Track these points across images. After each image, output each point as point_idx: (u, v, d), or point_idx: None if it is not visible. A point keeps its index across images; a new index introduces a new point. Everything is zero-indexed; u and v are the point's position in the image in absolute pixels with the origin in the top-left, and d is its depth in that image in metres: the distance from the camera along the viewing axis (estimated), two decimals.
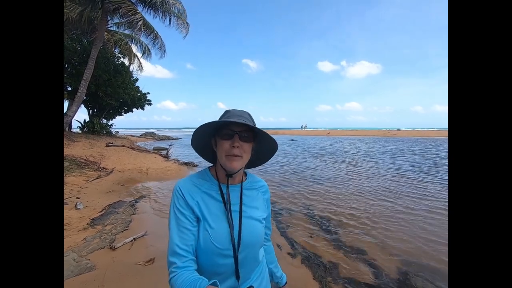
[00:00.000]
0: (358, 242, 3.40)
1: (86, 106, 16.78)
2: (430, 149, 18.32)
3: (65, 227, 3.46)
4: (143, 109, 19.76)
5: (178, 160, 10.82)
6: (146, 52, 14.77)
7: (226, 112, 0.85)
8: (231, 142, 0.78)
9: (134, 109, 19.42)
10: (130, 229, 3.53)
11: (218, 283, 0.65)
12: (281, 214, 4.53)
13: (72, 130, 14.07)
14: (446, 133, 49.47)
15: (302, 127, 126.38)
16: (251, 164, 0.94)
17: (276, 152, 0.94)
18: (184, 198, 0.78)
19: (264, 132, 0.82)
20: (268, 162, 0.99)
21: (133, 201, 4.93)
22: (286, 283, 1.07)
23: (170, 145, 14.01)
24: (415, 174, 8.40)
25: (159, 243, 3.07)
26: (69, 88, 13.51)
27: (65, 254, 2.66)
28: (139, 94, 18.54)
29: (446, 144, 23.15)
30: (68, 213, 3.98)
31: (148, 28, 12.02)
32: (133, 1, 10.67)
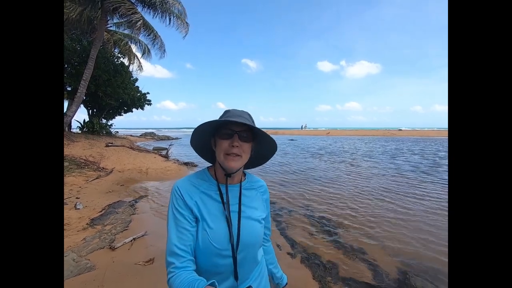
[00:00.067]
0: (357, 242, 3.40)
1: (85, 106, 16.77)
2: (429, 149, 18.34)
3: (64, 227, 3.46)
4: (142, 109, 19.75)
5: (178, 160, 10.82)
6: (146, 52, 14.75)
7: (226, 112, 0.85)
8: (230, 141, 0.78)
9: (133, 109, 19.41)
10: (129, 229, 3.53)
11: (217, 284, 0.65)
12: (281, 214, 4.53)
13: (71, 130, 14.06)
14: (446, 133, 49.52)
15: (302, 127, 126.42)
16: (251, 164, 0.94)
17: (276, 152, 0.94)
18: (182, 198, 0.78)
19: (264, 132, 0.82)
20: (267, 162, 0.99)
21: (133, 201, 4.93)
22: (286, 284, 1.06)
23: (169, 145, 14.01)
24: (415, 174, 8.40)
25: (158, 243, 3.06)
26: (69, 88, 13.50)
27: (64, 254, 2.66)
28: (138, 94, 18.53)
29: (446, 144, 23.17)
30: (68, 213, 3.98)
31: (147, 28, 12.02)
32: (133, 1, 10.66)
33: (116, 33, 14.78)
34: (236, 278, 0.79)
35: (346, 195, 5.80)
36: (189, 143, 0.91)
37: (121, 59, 16.11)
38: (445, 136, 41.85)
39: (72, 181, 5.92)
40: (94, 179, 6.38)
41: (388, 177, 7.92)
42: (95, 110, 17.26)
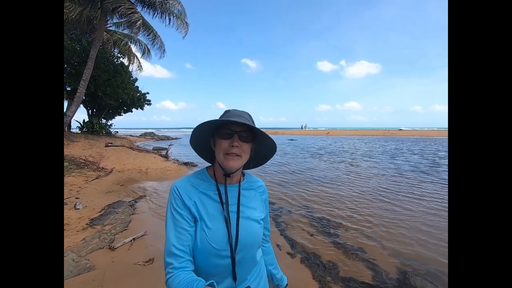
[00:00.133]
0: (357, 242, 3.40)
1: (85, 106, 16.76)
2: (429, 149, 18.35)
3: (64, 227, 3.46)
4: (142, 109, 19.75)
5: (178, 160, 10.81)
6: (145, 52, 14.74)
7: (226, 112, 0.84)
8: (230, 141, 0.78)
9: (133, 109, 19.41)
10: (129, 229, 3.52)
11: (215, 284, 0.65)
12: (281, 214, 4.53)
13: (71, 130, 14.05)
14: (446, 133, 49.55)
15: (302, 127, 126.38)
16: (250, 164, 0.94)
17: (275, 152, 0.94)
18: (181, 198, 0.77)
19: (264, 133, 0.82)
20: (267, 162, 0.99)
21: (133, 201, 4.93)
22: (286, 285, 1.06)
23: (169, 145, 14.01)
24: (414, 174, 8.41)
25: (158, 243, 3.06)
26: (68, 88, 13.49)
27: (64, 255, 2.66)
28: (138, 94, 18.52)
29: (445, 144, 23.19)
30: (67, 213, 3.98)
31: (147, 28, 12.01)
32: (132, 1, 10.66)
33: (116, 33, 14.78)
34: (234, 278, 0.79)
35: (346, 195, 5.80)
36: (189, 143, 0.91)
37: (121, 59, 16.10)
38: (444, 136, 41.89)
39: (71, 181, 5.92)
40: (94, 179, 6.37)
41: (388, 177, 7.92)
42: (94, 110, 17.25)
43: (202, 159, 0.97)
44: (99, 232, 3.37)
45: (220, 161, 0.79)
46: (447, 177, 7.71)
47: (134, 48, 15.74)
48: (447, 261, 2.78)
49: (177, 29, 11.97)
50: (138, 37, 13.93)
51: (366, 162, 11.80)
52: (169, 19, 11.56)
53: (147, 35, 12.47)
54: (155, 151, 13.20)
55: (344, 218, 4.32)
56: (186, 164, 10.16)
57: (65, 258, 2.59)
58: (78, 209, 4.24)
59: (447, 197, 5.51)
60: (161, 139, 32.91)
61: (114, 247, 2.89)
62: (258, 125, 0.81)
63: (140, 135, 36.21)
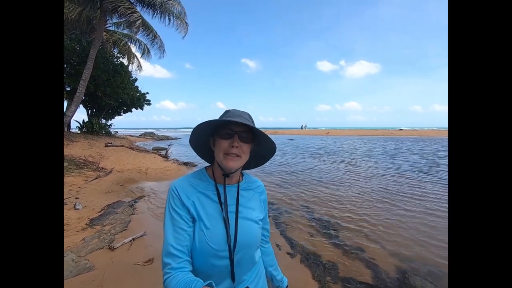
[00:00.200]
0: (357, 242, 3.41)
1: (85, 106, 16.74)
2: (428, 149, 18.36)
3: (63, 227, 3.45)
4: (142, 109, 19.74)
5: (178, 160, 10.80)
6: (145, 52, 14.73)
7: (226, 112, 0.84)
8: (230, 141, 0.77)
9: (133, 109, 19.40)
10: (129, 229, 3.52)
11: (214, 284, 0.64)
12: (280, 214, 4.53)
13: (70, 130, 14.04)
14: (445, 133, 49.57)
15: (302, 127, 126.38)
16: (249, 165, 0.93)
17: (275, 153, 0.94)
18: (180, 198, 0.77)
19: (264, 134, 0.82)
20: (266, 162, 0.98)
21: (132, 201, 4.92)
22: (287, 286, 1.05)
23: (169, 145, 14.00)
24: (414, 174, 8.41)
25: (158, 243, 3.06)
26: (68, 88, 13.48)
27: (63, 255, 2.66)
28: (138, 94, 18.51)
29: (445, 144, 23.21)
30: (67, 214, 3.97)
31: (147, 28, 12.00)
32: (132, 1, 10.65)
33: (116, 33, 14.77)
34: (233, 279, 0.79)
35: (345, 196, 5.80)
36: (188, 143, 0.90)
37: (121, 59, 16.10)
38: (444, 135, 41.92)
39: (71, 181, 5.91)
40: (94, 179, 6.37)
41: (388, 177, 7.93)
42: (94, 110, 17.23)
43: (202, 159, 0.97)
44: (98, 232, 3.36)
45: (219, 161, 0.79)
46: (446, 177, 7.71)
47: (133, 48, 15.75)
48: (446, 261, 2.78)
49: (177, 29, 11.98)
50: (138, 37, 13.93)
51: (366, 162, 11.81)
52: (169, 19, 11.56)
53: (147, 35, 12.47)
54: (155, 151, 13.19)
55: (344, 218, 4.32)
56: (185, 164, 10.15)
57: (64, 258, 2.59)
58: (78, 209, 4.24)
59: (446, 197, 5.51)
60: (161, 139, 32.90)
61: (114, 247, 2.89)
62: (257, 125, 0.81)
63: (139, 135, 36.19)
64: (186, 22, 12.07)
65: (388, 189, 6.32)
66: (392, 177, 7.98)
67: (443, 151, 16.19)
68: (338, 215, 4.47)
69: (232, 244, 0.77)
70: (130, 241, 3.08)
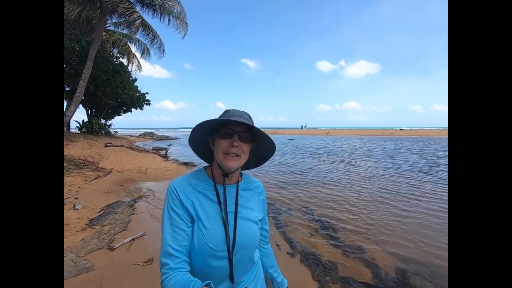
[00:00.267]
0: (356, 241, 3.41)
1: (84, 106, 16.74)
2: (428, 148, 18.37)
3: (64, 227, 3.45)
4: (141, 109, 19.74)
5: (177, 160, 10.80)
6: (145, 52, 14.72)
7: (226, 111, 0.84)
8: (230, 141, 0.77)
9: (132, 109, 19.40)
10: (128, 229, 3.52)
11: (212, 284, 0.64)
12: (280, 214, 4.53)
13: (70, 130, 14.03)
14: (445, 132, 49.61)
15: (302, 126, 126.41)
16: (249, 165, 0.93)
17: (275, 153, 0.94)
18: (178, 198, 0.77)
19: (264, 133, 0.81)
20: (266, 162, 0.98)
21: (132, 201, 4.92)
22: None
23: (169, 145, 13.99)
24: (413, 174, 8.42)
25: (158, 243, 3.05)
26: (68, 88, 13.47)
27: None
28: (137, 94, 18.51)
29: (444, 143, 23.22)
30: (67, 214, 3.97)
31: (146, 28, 11.99)
32: (131, 1, 10.64)
33: (115, 33, 14.75)
34: (231, 280, 0.78)
35: (345, 196, 5.80)
36: (188, 143, 0.90)
37: (120, 59, 16.08)
38: (443, 135, 41.95)
39: (71, 182, 5.91)
40: (93, 180, 6.36)
41: (387, 177, 7.93)
42: (94, 110, 17.22)
43: (202, 160, 0.97)
44: (98, 232, 3.36)
45: (219, 160, 0.79)
46: (446, 177, 7.72)
47: (133, 48, 15.73)
48: (446, 261, 2.78)
49: (177, 29, 11.97)
50: (137, 36, 13.90)
51: (365, 162, 11.82)
52: (169, 19, 11.55)
53: (146, 35, 12.46)
54: (155, 151, 13.18)
55: (343, 218, 4.32)
56: (185, 164, 10.15)
57: (64, 259, 2.58)
58: (77, 209, 4.23)
59: (446, 197, 5.52)
60: (161, 139, 32.90)
61: (114, 247, 2.89)
62: (257, 125, 0.81)
63: (139, 135, 36.19)
64: (185, 22, 12.06)
65: (387, 189, 6.32)
66: (392, 177, 7.99)
67: (443, 151, 16.20)
68: (338, 215, 4.47)
69: (231, 244, 0.76)
70: (130, 241, 3.08)
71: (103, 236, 3.25)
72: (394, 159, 12.42)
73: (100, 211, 4.23)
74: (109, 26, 13.68)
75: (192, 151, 0.93)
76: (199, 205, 0.78)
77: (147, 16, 11.50)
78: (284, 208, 4.88)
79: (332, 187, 6.60)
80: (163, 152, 12.47)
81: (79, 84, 10.42)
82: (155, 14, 11.33)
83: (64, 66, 12.94)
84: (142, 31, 11.99)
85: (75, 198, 4.84)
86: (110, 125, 17.50)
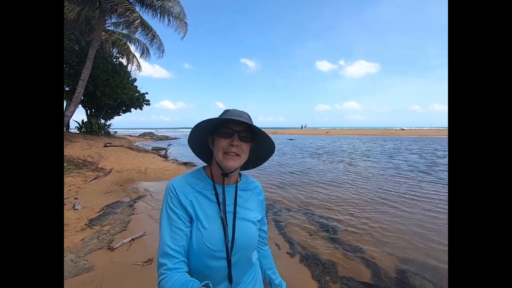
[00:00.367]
0: (356, 241, 3.41)
1: (84, 106, 16.70)
2: (427, 148, 18.39)
3: (64, 227, 3.45)
4: (141, 109, 19.71)
5: (177, 160, 10.79)
6: (144, 52, 14.72)
7: (226, 111, 0.83)
8: (230, 140, 0.77)
9: (132, 109, 19.37)
10: (128, 229, 3.52)
11: (210, 285, 0.63)
12: (280, 214, 4.53)
13: (69, 130, 14.00)
14: (445, 132, 49.66)
15: (302, 126, 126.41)
16: (248, 165, 0.92)
17: (274, 152, 0.93)
18: (177, 197, 0.76)
19: (264, 133, 0.81)
20: (265, 162, 0.98)
21: (132, 202, 4.92)
22: None
23: (168, 145, 13.99)
24: (413, 174, 8.42)
25: (157, 243, 3.04)
26: (67, 88, 13.44)
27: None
28: (137, 94, 18.49)
29: (444, 143, 23.24)
30: (66, 214, 3.96)
31: (146, 28, 11.98)
32: (131, 1, 10.63)
33: (115, 33, 14.74)
34: (230, 281, 0.77)
35: (344, 196, 5.81)
36: (187, 143, 0.90)
37: (120, 59, 16.06)
38: (443, 135, 42.00)
39: (70, 182, 5.90)
40: (93, 180, 6.35)
41: (387, 177, 7.94)
42: (93, 110, 17.20)
43: (201, 160, 0.96)
44: (98, 232, 3.36)
45: (218, 160, 0.78)
46: (445, 177, 7.73)
47: (132, 48, 15.72)
48: (446, 261, 2.79)
49: (176, 29, 11.96)
50: (137, 36, 13.90)
51: (365, 161, 11.82)
52: (168, 19, 11.55)
53: (146, 35, 12.46)
54: (154, 151, 13.17)
55: (343, 218, 4.32)
56: (185, 164, 10.15)
57: (64, 259, 2.58)
58: (77, 209, 4.23)
59: (445, 197, 5.53)
60: (160, 139, 32.88)
61: (113, 248, 2.88)
62: (257, 125, 0.81)
63: (139, 135, 36.15)
64: (185, 22, 12.05)
65: (387, 190, 6.33)
66: (391, 177, 7.99)
67: (442, 151, 16.22)
68: (337, 215, 4.47)
69: (229, 245, 0.76)
70: (130, 241, 3.08)
71: (103, 236, 3.24)
72: (394, 159, 12.42)
73: (99, 211, 4.22)
74: (109, 26, 13.66)
75: (191, 151, 0.93)
76: (198, 205, 0.77)
77: (147, 16, 11.52)
78: (284, 208, 4.89)
79: (331, 187, 6.60)
80: (162, 152, 12.46)
81: (79, 84, 10.41)
82: (155, 14, 11.33)
83: (64, 66, 12.92)
84: (142, 31, 11.98)
85: (75, 198, 4.83)
86: (109, 125, 17.47)
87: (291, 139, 33.92)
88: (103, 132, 15.63)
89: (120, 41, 14.55)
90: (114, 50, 15.37)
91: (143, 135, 37.08)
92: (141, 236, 3.24)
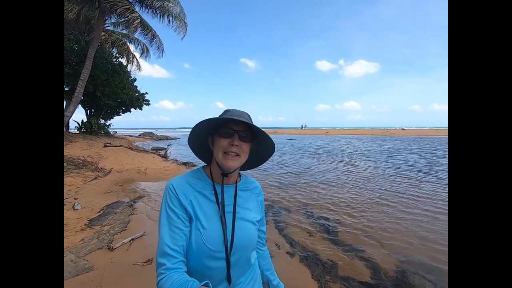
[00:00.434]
0: (356, 241, 3.41)
1: (83, 106, 16.70)
2: (427, 148, 18.40)
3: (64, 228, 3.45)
4: (141, 109, 19.71)
5: (177, 160, 10.79)
6: (144, 52, 14.71)
7: (226, 111, 0.83)
8: (230, 140, 0.77)
9: (132, 109, 19.37)
10: (128, 229, 3.51)
11: (210, 284, 0.63)
12: (279, 214, 4.53)
13: (69, 130, 13.99)
14: (444, 132, 49.67)
15: (302, 126, 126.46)
16: (247, 165, 0.92)
17: (274, 153, 0.93)
18: (177, 197, 0.76)
19: (264, 133, 0.81)
20: (265, 163, 0.97)
21: (131, 202, 4.91)
22: None
23: (168, 145, 13.98)
24: (413, 174, 8.43)
25: (157, 243, 3.05)
26: (67, 88, 13.44)
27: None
28: (137, 94, 18.49)
29: (443, 143, 23.26)
30: (66, 214, 3.96)
31: (145, 28, 11.98)
32: (130, 1, 10.63)
33: (114, 33, 14.72)
34: (229, 281, 0.77)
35: (344, 195, 5.81)
36: (187, 142, 0.90)
37: (119, 59, 16.06)
38: (442, 135, 42.02)
39: (70, 182, 5.89)
40: (92, 180, 6.35)
41: (386, 177, 7.94)
42: (93, 110, 17.19)
43: (201, 160, 0.96)
44: (97, 232, 3.36)
45: (218, 160, 0.78)
46: (445, 177, 7.73)
47: (132, 48, 15.71)
48: (446, 260, 2.79)
49: (176, 29, 11.95)
50: (137, 36, 13.88)
51: (365, 161, 11.83)
52: (168, 19, 11.54)
53: (145, 35, 12.45)
54: (154, 151, 13.16)
55: (343, 218, 4.33)
56: (185, 164, 10.14)
57: (63, 259, 2.58)
58: (77, 209, 4.23)
59: (445, 197, 5.53)
60: (160, 139, 32.88)
61: (113, 248, 2.88)
62: (257, 125, 0.81)
63: (139, 135, 36.14)
64: (185, 22, 12.05)
65: (386, 189, 6.33)
66: (391, 177, 8.00)
67: (442, 151, 16.23)
68: (337, 215, 4.47)
69: (228, 245, 0.76)
70: (130, 241, 3.08)
71: (103, 236, 3.24)
72: (393, 159, 12.43)
73: (99, 211, 4.22)
74: (108, 26, 13.65)
75: (191, 151, 0.93)
76: (198, 204, 0.77)
77: (146, 16, 11.51)
78: (284, 208, 4.89)
79: (331, 188, 6.60)
80: (162, 152, 12.46)
81: (78, 84, 10.41)
82: (155, 14, 11.32)
83: (63, 66, 12.92)
84: (141, 31, 11.97)
85: (75, 199, 4.83)
86: (109, 125, 17.46)
87: (290, 139, 33.93)
88: (102, 132, 15.62)
89: (120, 41, 14.53)
90: (113, 50, 15.35)
91: (143, 135, 37.08)
92: (141, 236, 3.24)
